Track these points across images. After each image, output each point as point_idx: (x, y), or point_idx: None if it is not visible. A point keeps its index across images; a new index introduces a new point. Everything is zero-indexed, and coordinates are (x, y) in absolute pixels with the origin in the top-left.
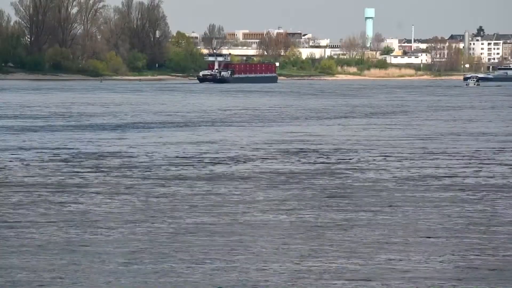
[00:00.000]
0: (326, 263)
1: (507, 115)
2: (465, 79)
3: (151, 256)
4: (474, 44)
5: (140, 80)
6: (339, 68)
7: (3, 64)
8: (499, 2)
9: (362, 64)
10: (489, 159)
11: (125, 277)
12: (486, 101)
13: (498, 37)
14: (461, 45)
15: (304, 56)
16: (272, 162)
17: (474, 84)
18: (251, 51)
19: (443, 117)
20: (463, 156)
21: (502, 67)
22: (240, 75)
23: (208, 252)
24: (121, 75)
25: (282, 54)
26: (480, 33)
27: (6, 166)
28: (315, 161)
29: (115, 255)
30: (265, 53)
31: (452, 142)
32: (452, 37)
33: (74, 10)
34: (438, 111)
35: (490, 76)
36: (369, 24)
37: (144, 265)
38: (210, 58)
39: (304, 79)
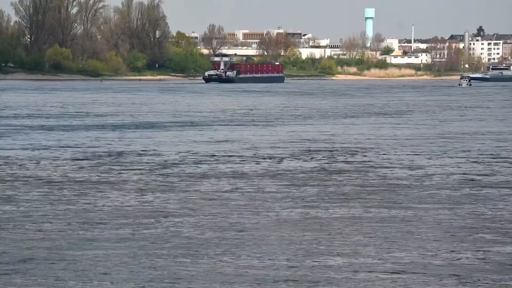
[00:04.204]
0: (341, 258)
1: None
2: (462, 79)
3: (166, 251)
4: (474, 44)
5: (140, 80)
6: (339, 68)
7: (3, 64)
8: (499, 2)
9: (362, 64)
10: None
11: (146, 268)
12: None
13: (498, 37)
14: (461, 45)
15: (304, 56)
16: (293, 160)
17: (467, 84)
18: (251, 51)
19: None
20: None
21: (497, 67)
22: (246, 75)
23: (226, 248)
24: (121, 75)
25: (282, 54)
26: (480, 33)
27: (39, 164)
28: (336, 159)
29: (146, 250)
30: (265, 53)
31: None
32: (452, 37)
33: (74, 10)
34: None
35: (487, 76)
36: (369, 24)
37: (158, 260)
38: (216, 58)
39: (304, 79)
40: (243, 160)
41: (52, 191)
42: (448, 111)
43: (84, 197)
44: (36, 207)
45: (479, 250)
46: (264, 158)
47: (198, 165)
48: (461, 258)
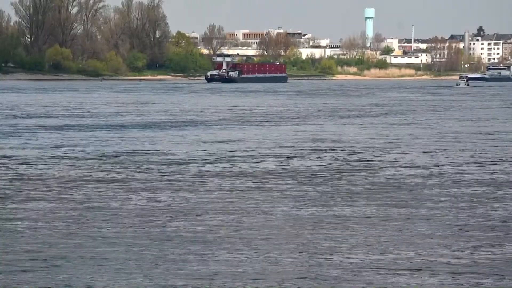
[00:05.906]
0: (352, 256)
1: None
2: (460, 79)
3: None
4: (474, 44)
5: (140, 80)
6: (339, 68)
7: (3, 64)
8: (499, 2)
9: (362, 64)
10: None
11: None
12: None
13: (498, 37)
14: (461, 45)
15: (304, 56)
16: (304, 160)
17: (465, 85)
18: (251, 51)
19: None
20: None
21: (495, 67)
22: (248, 75)
23: (238, 246)
24: (121, 75)
25: (282, 54)
26: (480, 33)
27: (56, 163)
28: (345, 158)
29: (161, 248)
30: (265, 53)
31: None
32: (452, 37)
33: (74, 10)
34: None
35: (485, 76)
36: (369, 24)
37: (172, 258)
38: (218, 58)
39: (304, 79)
40: (252, 160)
41: (68, 190)
42: (443, 111)
43: (99, 196)
44: (52, 206)
45: (489, 249)
46: (273, 157)
47: (208, 164)
48: (471, 257)
